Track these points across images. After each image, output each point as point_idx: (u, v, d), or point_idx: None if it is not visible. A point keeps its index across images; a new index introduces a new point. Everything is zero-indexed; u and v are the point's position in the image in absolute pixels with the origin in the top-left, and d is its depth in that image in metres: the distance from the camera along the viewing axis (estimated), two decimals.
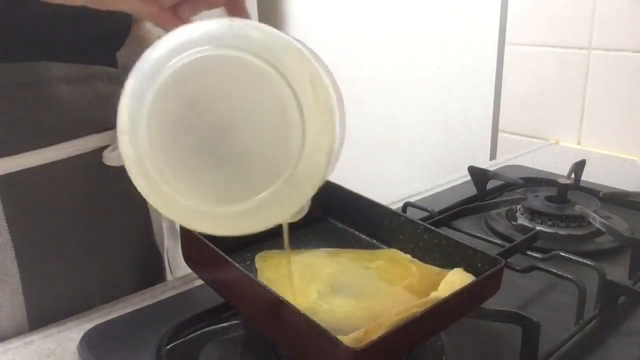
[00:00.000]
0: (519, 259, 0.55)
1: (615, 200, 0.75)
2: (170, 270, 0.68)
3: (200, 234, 0.44)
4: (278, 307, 0.37)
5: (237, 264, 0.41)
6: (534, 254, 0.56)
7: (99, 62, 0.56)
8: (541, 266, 0.53)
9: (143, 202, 0.62)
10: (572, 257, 0.54)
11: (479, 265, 0.44)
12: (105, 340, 0.47)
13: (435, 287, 0.43)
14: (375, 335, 0.33)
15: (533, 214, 0.69)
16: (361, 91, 1.47)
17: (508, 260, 0.54)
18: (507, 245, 0.57)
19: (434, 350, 0.44)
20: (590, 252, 0.62)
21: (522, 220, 0.70)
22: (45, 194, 0.52)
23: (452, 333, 0.46)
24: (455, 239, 0.46)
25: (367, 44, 1.47)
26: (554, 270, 0.51)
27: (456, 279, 0.43)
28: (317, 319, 0.34)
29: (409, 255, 0.49)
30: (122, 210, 0.60)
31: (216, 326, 0.43)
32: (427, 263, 0.48)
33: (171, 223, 0.69)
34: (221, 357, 0.44)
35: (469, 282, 0.42)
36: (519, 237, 0.60)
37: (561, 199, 0.71)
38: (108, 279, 0.58)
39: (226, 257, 0.42)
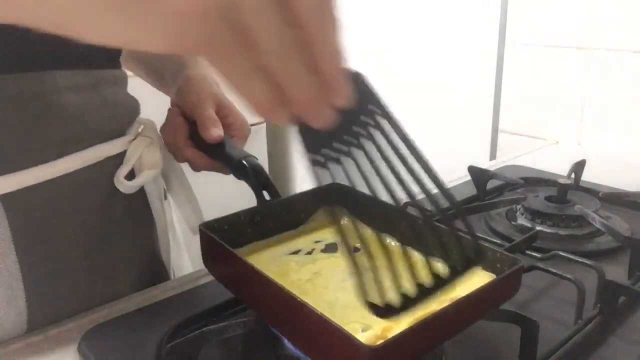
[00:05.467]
0: None
1: (615, 200, 0.75)
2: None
3: (219, 237, 0.45)
4: (294, 307, 0.37)
5: (254, 265, 0.41)
6: (534, 254, 0.56)
7: (102, 66, 0.55)
8: (541, 266, 0.53)
9: (149, 214, 0.61)
10: (572, 257, 0.54)
11: (498, 265, 0.43)
12: (105, 340, 0.47)
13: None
14: (392, 333, 0.33)
15: (533, 214, 0.69)
16: None
17: None
18: (507, 245, 0.57)
19: None
20: (590, 252, 0.62)
21: (522, 220, 0.70)
22: (53, 211, 0.50)
23: None
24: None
25: (367, 45, 1.47)
26: (553, 270, 0.51)
27: (475, 279, 0.42)
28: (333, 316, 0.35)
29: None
30: (128, 223, 0.58)
31: (216, 325, 0.43)
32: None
33: (172, 230, 0.69)
34: (221, 357, 0.44)
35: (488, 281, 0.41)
36: (518, 237, 0.60)
37: (561, 199, 0.71)
38: (113, 294, 0.57)
39: (244, 258, 0.42)
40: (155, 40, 0.24)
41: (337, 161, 0.32)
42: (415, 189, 0.33)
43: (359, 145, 0.33)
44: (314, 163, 0.31)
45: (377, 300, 0.31)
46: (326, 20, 0.25)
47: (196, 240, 0.72)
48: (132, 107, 0.60)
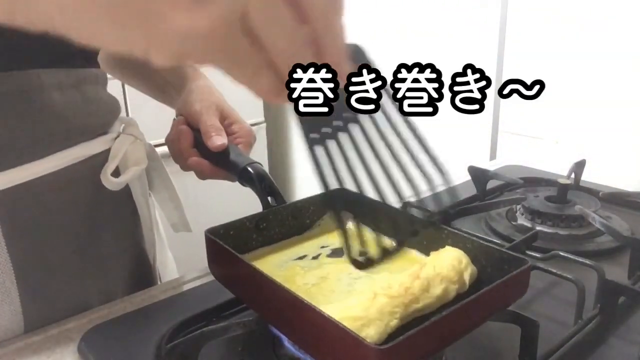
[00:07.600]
0: None
1: (615, 200, 0.75)
2: (160, 278, 0.68)
3: (225, 243, 0.45)
4: (302, 310, 0.37)
5: (260, 269, 0.41)
6: (534, 254, 0.56)
7: (83, 65, 0.55)
8: (541, 266, 0.52)
9: (134, 211, 0.62)
10: (572, 257, 0.54)
11: (505, 267, 0.43)
12: (105, 340, 0.47)
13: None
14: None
15: (533, 214, 0.69)
16: None
17: None
18: (507, 245, 0.57)
19: None
20: (590, 252, 0.62)
21: (522, 220, 0.70)
22: (42, 208, 0.51)
23: None
24: (481, 241, 0.46)
25: (367, 45, 1.47)
26: (553, 270, 0.51)
27: (445, 255, 0.44)
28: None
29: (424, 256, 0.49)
30: (115, 220, 0.59)
31: (216, 325, 0.43)
32: None
33: (156, 228, 0.69)
34: (221, 357, 0.44)
35: (458, 256, 0.42)
36: (518, 237, 0.60)
37: (561, 199, 0.71)
38: (104, 290, 0.57)
39: (249, 263, 0.42)
40: (157, 55, 0.25)
41: (335, 137, 0.34)
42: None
43: (356, 120, 0.35)
44: (312, 142, 0.32)
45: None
46: (332, 15, 0.27)
47: (179, 239, 0.72)
48: (114, 106, 0.61)
